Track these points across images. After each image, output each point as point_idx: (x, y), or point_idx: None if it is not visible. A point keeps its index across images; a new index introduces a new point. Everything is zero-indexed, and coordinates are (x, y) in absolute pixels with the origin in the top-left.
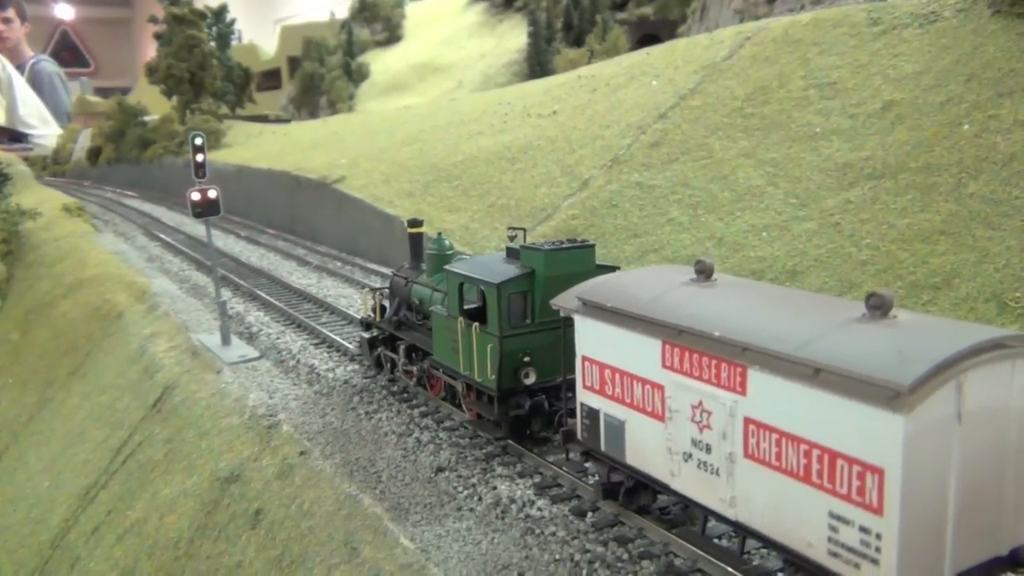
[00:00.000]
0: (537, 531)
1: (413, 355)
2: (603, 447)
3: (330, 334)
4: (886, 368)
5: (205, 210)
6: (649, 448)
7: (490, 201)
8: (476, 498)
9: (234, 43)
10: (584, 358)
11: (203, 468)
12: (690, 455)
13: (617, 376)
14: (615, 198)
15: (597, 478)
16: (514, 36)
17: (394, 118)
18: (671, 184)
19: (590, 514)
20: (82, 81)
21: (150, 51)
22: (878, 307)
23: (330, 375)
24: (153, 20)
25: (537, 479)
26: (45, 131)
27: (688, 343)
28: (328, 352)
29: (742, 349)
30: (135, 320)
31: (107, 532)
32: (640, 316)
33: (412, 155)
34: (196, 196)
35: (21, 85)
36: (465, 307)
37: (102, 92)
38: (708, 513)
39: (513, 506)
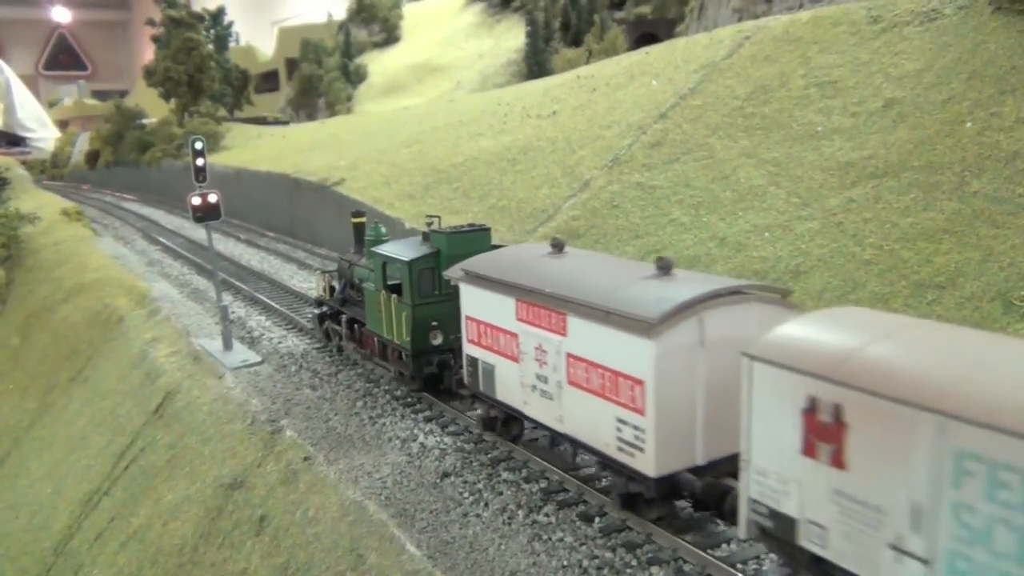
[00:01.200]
0: (544, 537)
1: (355, 327)
2: (482, 388)
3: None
4: (646, 308)
5: (206, 214)
6: (511, 385)
7: (491, 203)
8: (482, 504)
9: (231, 45)
10: (467, 317)
11: (206, 474)
12: (535, 386)
13: (489, 330)
14: (616, 199)
15: (480, 413)
16: (512, 36)
17: (393, 119)
18: (672, 184)
19: (598, 519)
20: (79, 84)
21: (147, 54)
22: (663, 267)
23: (333, 380)
24: (151, 23)
25: (543, 483)
26: (43, 134)
27: (531, 299)
28: (331, 356)
29: (564, 301)
30: (136, 325)
31: (110, 539)
32: (502, 280)
33: (412, 157)
34: (197, 201)
35: (19, 88)
36: (388, 283)
37: (100, 95)
38: (549, 431)
39: (520, 512)
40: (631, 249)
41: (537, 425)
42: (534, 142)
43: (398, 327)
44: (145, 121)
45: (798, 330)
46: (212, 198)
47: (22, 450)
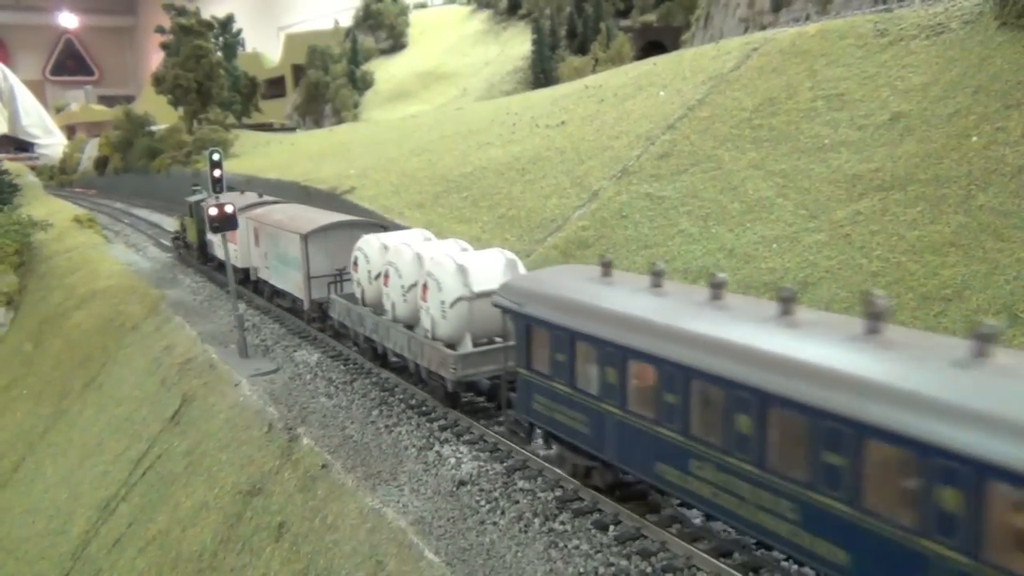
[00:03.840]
0: (561, 544)
1: (186, 241)
2: (213, 253)
3: (344, 348)
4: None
5: (222, 225)
6: (243, 254)
7: (500, 212)
8: (499, 512)
9: (239, 52)
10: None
11: (224, 481)
12: (246, 251)
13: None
14: (625, 209)
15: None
16: (518, 44)
17: (401, 128)
18: (681, 195)
19: (612, 528)
20: (86, 89)
21: (154, 59)
22: (264, 200)
23: (348, 388)
24: (160, 30)
25: (559, 492)
26: (48, 140)
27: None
28: (345, 365)
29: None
30: (150, 332)
31: (129, 544)
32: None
33: (421, 166)
34: (214, 211)
35: (23, 95)
36: (191, 214)
37: (106, 100)
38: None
39: (536, 520)
40: (640, 259)
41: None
42: (543, 152)
43: (193, 233)
44: (154, 128)
45: (264, 207)
46: (228, 208)
47: (37, 455)
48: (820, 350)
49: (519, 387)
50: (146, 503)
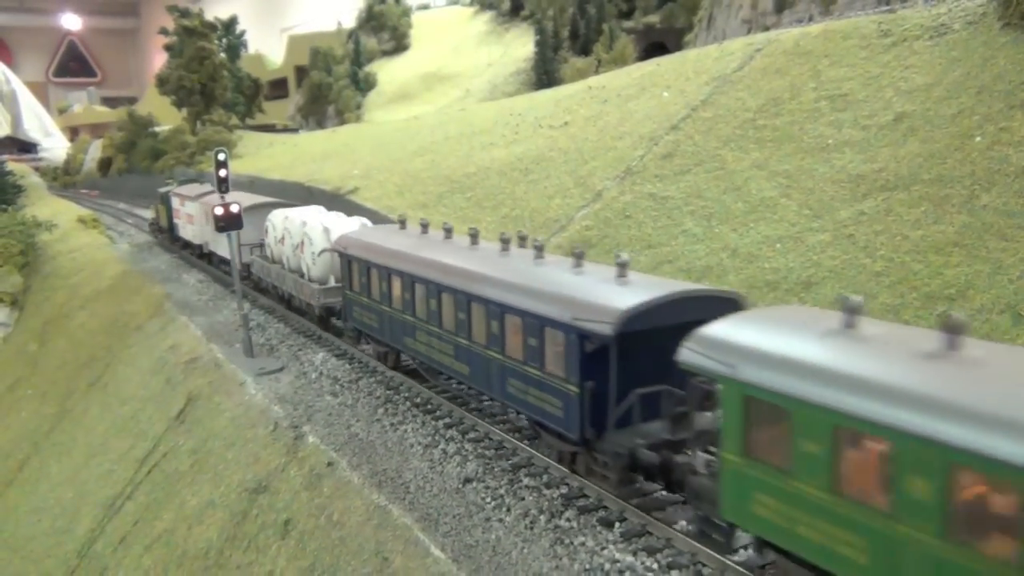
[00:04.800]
0: (566, 541)
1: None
2: (176, 233)
3: (350, 347)
4: (208, 196)
5: (228, 224)
6: (184, 229)
7: (504, 212)
8: (505, 508)
9: (242, 53)
10: (173, 208)
11: (230, 479)
12: (185, 227)
13: (178, 212)
14: (628, 209)
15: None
16: (521, 45)
17: (404, 129)
18: (684, 195)
19: (618, 524)
20: (89, 91)
21: (157, 61)
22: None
23: (353, 387)
24: (164, 32)
25: (564, 489)
26: (49, 143)
27: (180, 197)
28: (350, 363)
29: (183, 196)
30: (154, 332)
31: (134, 542)
32: (177, 194)
33: (425, 166)
34: (219, 211)
35: (26, 98)
36: (163, 203)
37: (109, 102)
38: (190, 242)
39: (542, 517)
40: (644, 259)
41: (189, 243)
42: (546, 152)
43: (163, 218)
44: (157, 129)
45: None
46: (234, 208)
47: (42, 455)
48: (471, 262)
49: (346, 305)
50: (152, 501)
